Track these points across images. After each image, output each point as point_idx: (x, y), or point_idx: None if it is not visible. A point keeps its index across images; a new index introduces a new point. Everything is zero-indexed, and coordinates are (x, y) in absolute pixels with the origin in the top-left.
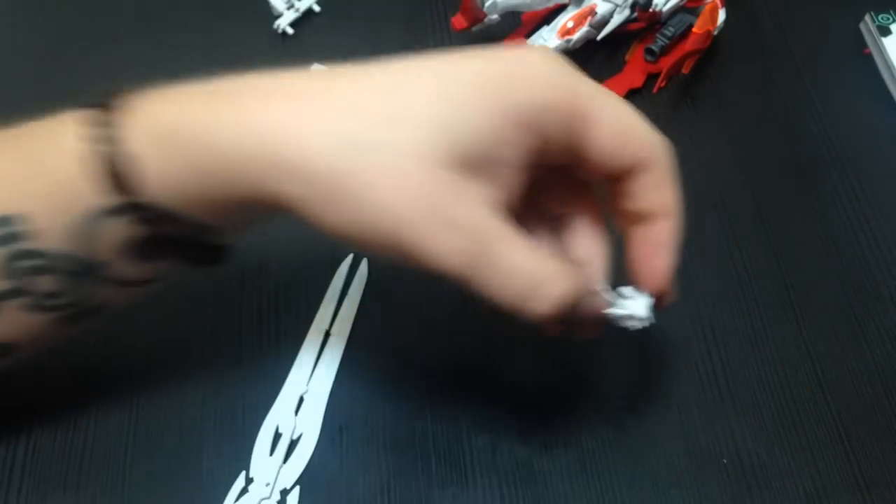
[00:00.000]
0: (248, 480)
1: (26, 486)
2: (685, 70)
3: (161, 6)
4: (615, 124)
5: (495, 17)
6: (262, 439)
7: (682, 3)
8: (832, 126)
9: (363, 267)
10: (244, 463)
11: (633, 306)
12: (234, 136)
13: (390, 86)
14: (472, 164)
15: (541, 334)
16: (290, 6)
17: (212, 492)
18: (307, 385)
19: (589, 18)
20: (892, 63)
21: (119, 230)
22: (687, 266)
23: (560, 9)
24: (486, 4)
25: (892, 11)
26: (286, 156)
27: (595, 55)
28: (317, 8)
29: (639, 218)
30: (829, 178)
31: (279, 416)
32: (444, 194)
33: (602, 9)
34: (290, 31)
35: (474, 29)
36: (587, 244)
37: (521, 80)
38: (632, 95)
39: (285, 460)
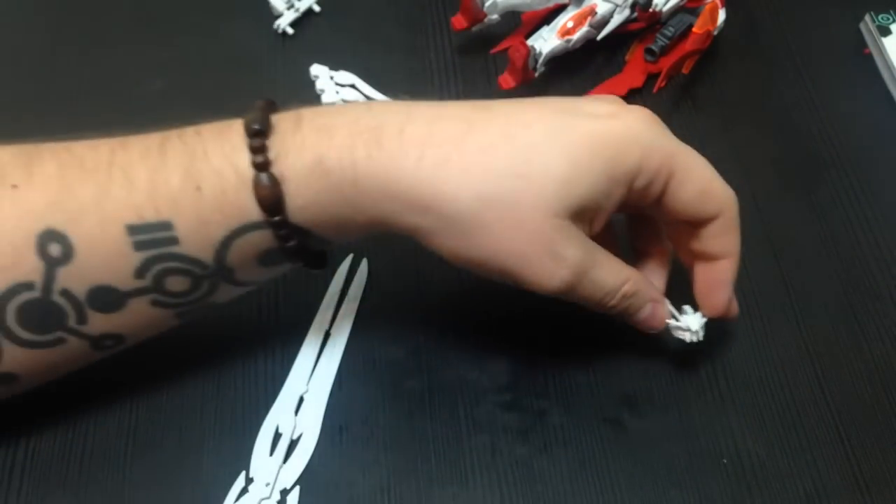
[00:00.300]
0: (248, 480)
1: (26, 487)
2: (685, 70)
3: (161, 6)
4: (698, 183)
5: (495, 17)
6: (262, 439)
7: (682, 3)
8: (832, 126)
9: (363, 267)
10: (244, 463)
11: (689, 321)
12: (378, 177)
13: (519, 143)
14: (581, 212)
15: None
16: (290, 6)
17: (212, 492)
18: (307, 385)
19: (589, 18)
20: (892, 63)
21: (255, 243)
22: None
23: (560, 9)
24: (486, 4)
25: (892, 11)
26: (423, 198)
27: (595, 55)
28: (317, 8)
29: (703, 257)
30: (829, 178)
31: (279, 416)
32: (556, 238)
33: (602, 9)
34: (290, 31)
35: (474, 29)
36: (653, 272)
37: (627, 146)
38: (632, 95)
39: (285, 460)
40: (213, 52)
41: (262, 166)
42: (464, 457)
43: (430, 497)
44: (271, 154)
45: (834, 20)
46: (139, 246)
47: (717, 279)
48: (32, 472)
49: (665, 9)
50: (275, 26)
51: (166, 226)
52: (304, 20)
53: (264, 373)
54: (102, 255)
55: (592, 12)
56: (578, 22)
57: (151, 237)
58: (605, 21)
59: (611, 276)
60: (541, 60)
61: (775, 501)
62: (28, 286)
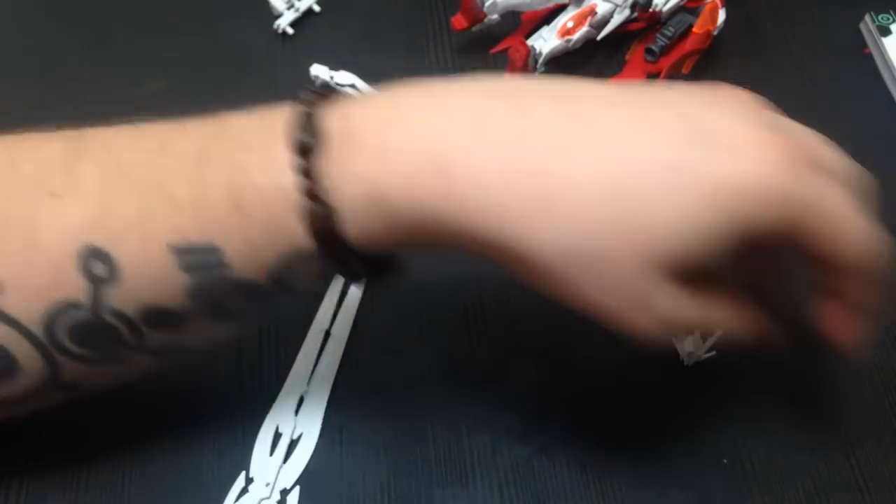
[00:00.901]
0: (248, 480)
1: (26, 486)
2: (685, 70)
3: (161, 6)
4: (835, 236)
5: (495, 16)
6: (262, 439)
7: (682, 3)
8: (832, 126)
9: None
10: (244, 463)
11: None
12: (447, 222)
13: (623, 189)
14: (680, 272)
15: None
16: (290, 6)
17: (212, 492)
18: (307, 385)
19: (589, 18)
20: (892, 63)
21: (307, 265)
22: None
23: (560, 9)
24: (486, 4)
25: (892, 11)
26: (499, 244)
27: (595, 55)
28: (317, 8)
29: (833, 296)
30: None
31: (279, 416)
32: (650, 292)
33: (602, 9)
34: (290, 31)
35: (474, 29)
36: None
37: (759, 202)
38: None
39: (285, 460)
40: (213, 52)
41: (312, 195)
42: (464, 457)
43: (430, 497)
44: (321, 179)
45: (834, 20)
46: (187, 267)
47: (844, 315)
48: (32, 472)
49: (665, 9)
50: (275, 26)
51: (212, 249)
52: (304, 20)
53: (264, 373)
54: (149, 276)
55: (592, 12)
56: (578, 22)
57: (198, 259)
58: (605, 21)
59: (708, 321)
60: (541, 60)
61: (775, 501)
62: (75, 305)
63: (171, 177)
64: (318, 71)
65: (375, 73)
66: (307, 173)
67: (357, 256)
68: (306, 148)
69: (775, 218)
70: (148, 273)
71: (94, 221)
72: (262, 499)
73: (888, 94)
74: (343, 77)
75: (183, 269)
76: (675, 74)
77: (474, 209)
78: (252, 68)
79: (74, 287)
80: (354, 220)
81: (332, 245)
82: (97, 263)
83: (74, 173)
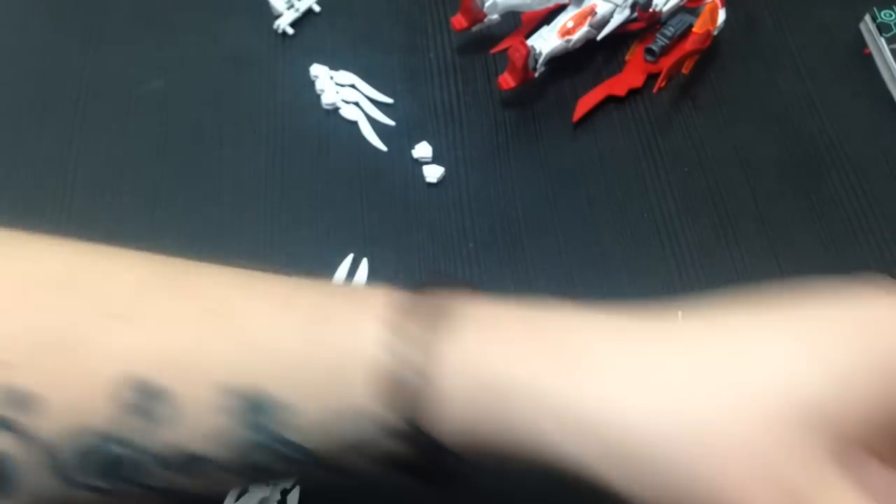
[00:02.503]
0: None
1: None
2: (685, 70)
3: (161, 6)
4: None
5: (495, 17)
6: None
7: (682, 3)
8: (832, 126)
9: (363, 267)
10: None
11: None
12: (560, 410)
13: (740, 353)
14: (844, 439)
15: None
16: (290, 6)
17: None
18: None
19: (589, 18)
20: (892, 63)
21: (382, 447)
22: (686, 266)
23: (560, 9)
24: (486, 4)
25: (894, 7)
26: (612, 440)
27: (595, 55)
28: (317, 8)
29: None
30: (829, 178)
31: None
32: (781, 458)
33: (602, 9)
34: (290, 31)
35: (474, 29)
36: None
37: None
38: (632, 95)
39: None
40: (213, 52)
41: (412, 370)
42: None
43: (431, 497)
44: (429, 361)
45: (834, 20)
46: (238, 416)
47: None
48: None
49: (665, 9)
50: (275, 26)
51: (283, 408)
52: (304, 20)
53: None
54: (204, 423)
55: (592, 12)
56: (578, 22)
57: (263, 418)
58: (605, 21)
59: None
60: (541, 60)
61: None
62: (112, 439)
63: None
64: (318, 71)
65: (375, 73)
66: (412, 349)
67: (432, 446)
68: (415, 320)
69: None
70: (203, 420)
71: (149, 352)
72: (262, 498)
73: (888, 94)
74: (343, 77)
75: (239, 419)
76: (675, 74)
77: (587, 409)
78: (252, 68)
79: (107, 417)
80: (451, 405)
81: (418, 434)
82: (152, 399)
83: (144, 303)
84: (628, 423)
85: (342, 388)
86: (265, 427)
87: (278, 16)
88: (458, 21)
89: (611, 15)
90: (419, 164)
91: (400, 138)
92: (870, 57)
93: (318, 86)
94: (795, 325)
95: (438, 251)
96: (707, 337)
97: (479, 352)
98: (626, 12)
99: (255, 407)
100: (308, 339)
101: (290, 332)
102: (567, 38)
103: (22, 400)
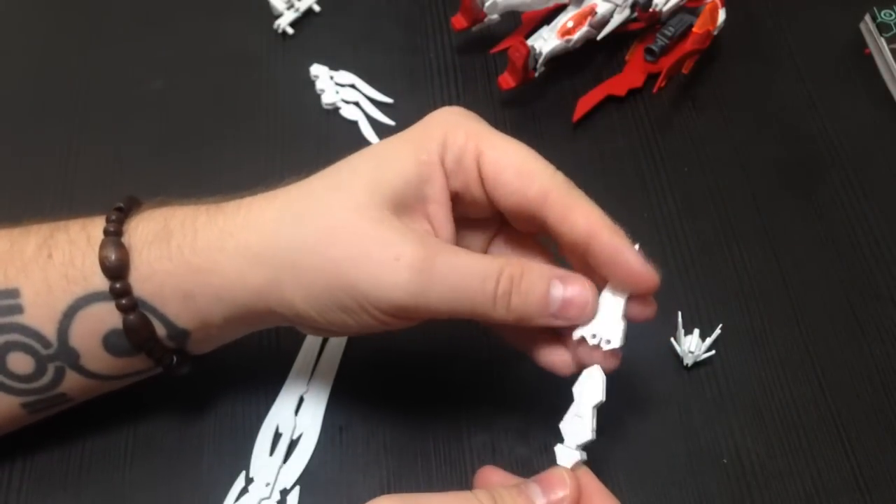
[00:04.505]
0: (248, 480)
1: (26, 486)
2: (685, 70)
3: (161, 6)
4: (513, 161)
5: (495, 16)
6: (262, 439)
7: (682, 3)
8: (832, 126)
9: None
10: (244, 463)
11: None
12: (213, 231)
13: (334, 168)
14: (401, 203)
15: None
16: (290, 6)
17: (212, 492)
18: (307, 385)
19: (589, 18)
20: (892, 63)
21: (99, 317)
22: (687, 266)
23: (560, 9)
24: (486, 4)
25: (894, 7)
26: (254, 245)
27: (595, 55)
28: (317, 8)
29: (581, 243)
30: (829, 178)
31: (279, 416)
32: (384, 236)
33: (602, 9)
34: (290, 31)
35: (474, 29)
36: None
37: (430, 129)
38: (632, 95)
39: (285, 460)
40: (213, 52)
41: (111, 232)
42: (464, 457)
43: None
44: (125, 226)
45: (834, 20)
46: None
47: (610, 252)
48: (32, 472)
49: (665, 9)
50: (275, 26)
51: (13, 293)
52: (304, 20)
53: (264, 373)
54: None
55: (592, 12)
56: (578, 22)
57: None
58: (605, 21)
59: (472, 262)
60: (541, 60)
61: (775, 501)
62: None
63: None
64: (318, 71)
65: (375, 73)
66: (112, 220)
67: (143, 307)
68: (120, 208)
69: (451, 136)
70: None
71: None
72: (262, 499)
73: (888, 94)
74: (343, 77)
75: None
76: (675, 74)
77: (232, 222)
78: (252, 68)
79: None
80: (142, 257)
81: (119, 280)
82: None
83: None
84: (273, 237)
85: (70, 263)
86: (3, 316)
87: (278, 16)
88: (458, 21)
89: (611, 15)
90: None
91: None
92: (870, 57)
93: (318, 86)
94: (372, 148)
95: None
96: (305, 187)
97: (159, 217)
98: (626, 12)
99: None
100: (44, 240)
101: (30, 241)
102: (567, 38)
103: None
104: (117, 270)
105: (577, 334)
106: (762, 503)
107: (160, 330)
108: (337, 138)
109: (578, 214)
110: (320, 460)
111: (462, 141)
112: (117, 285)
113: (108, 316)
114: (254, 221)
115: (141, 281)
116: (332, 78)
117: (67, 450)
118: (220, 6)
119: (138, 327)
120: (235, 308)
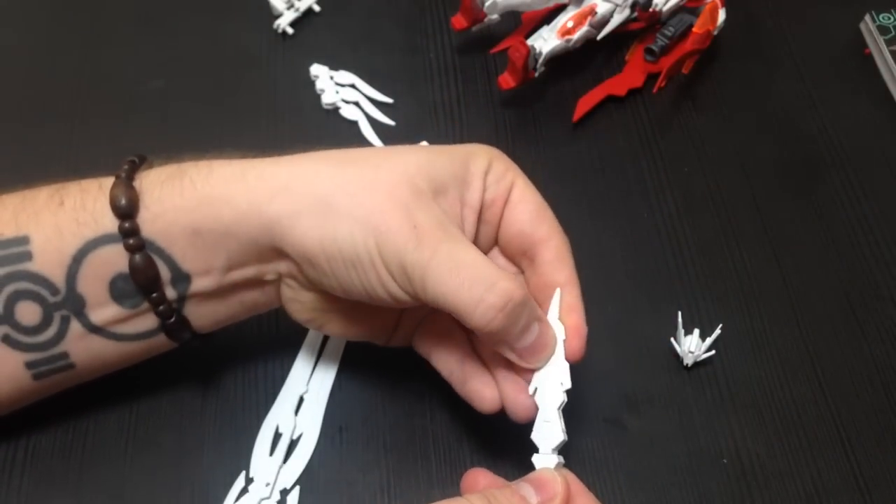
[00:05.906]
0: (248, 480)
1: (26, 486)
2: (685, 70)
3: (161, 6)
4: (533, 203)
5: (495, 16)
6: (262, 439)
7: (682, 3)
8: (832, 126)
9: None
10: (244, 463)
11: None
12: (232, 166)
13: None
14: (444, 195)
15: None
16: (290, 6)
17: (212, 492)
18: (307, 385)
19: (589, 18)
20: (891, 63)
21: (107, 261)
22: (687, 266)
23: (560, 8)
24: (486, 4)
25: (893, 10)
26: (280, 178)
27: (595, 55)
28: (317, 8)
29: (548, 295)
30: (829, 178)
31: (279, 416)
32: (411, 201)
33: (602, 9)
34: (290, 31)
35: (474, 29)
36: None
37: (479, 150)
38: (632, 95)
39: (285, 460)
40: (213, 52)
41: (122, 176)
42: (464, 457)
43: (430, 497)
44: (137, 173)
45: (834, 20)
46: None
47: (567, 311)
48: (32, 472)
49: (665, 9)
50: (275, 26)
51: (22, 240)
52: (304, 20)
53: (264, 373)
54: None
55: (592, 12)
56: (578, 22)
57: (6, 253)
58: (605, 21)
59: (479, 261)
60: (541, 60)
61: (775, 501)
62: None
63: (10, 194)
64: (318, 71)
65: (375, 73)
66: (124, 166)
67: (151, 249)
68: (133, 160)
69: (495, 162)
70: None
71: None
72: (262, 499)
73: (888, 94)
74: (343, 77)
75: None
76: (675, 74)
77: (253, 162)
78: (252, 68)
79: None
80: (153, 197)
81: (128, 219)
82: None
83: None
84: (311, 175)
85: (80, 208)
86: (12, 264)
87: (278, 16)
88: (458, 21)
89: (611, 15)
90: None
91: (400, 138)
92: (870, 57)
93: (318, 86)
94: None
95: None
96: (352, 151)
97: (171, 166)
98: (626, 12)
99: (4, 246)
100: (56, 189)
101: (42, 191)
102: (567, 38)
103: None
104: (127, 209)
105: (532, 386)
106: (762, 503)
107: (164, 273)
108: (337, 138)
109: (565, 271)
110: (320, 460)
111: (503, 168)
112: (126, 224)
113: (116, 258)
114: (286, 161)
115: (150, 221)
116: (332, 78)
117: (67, 449)
118: (220, 6)
119: (144, 267)
120: (240, 246)
